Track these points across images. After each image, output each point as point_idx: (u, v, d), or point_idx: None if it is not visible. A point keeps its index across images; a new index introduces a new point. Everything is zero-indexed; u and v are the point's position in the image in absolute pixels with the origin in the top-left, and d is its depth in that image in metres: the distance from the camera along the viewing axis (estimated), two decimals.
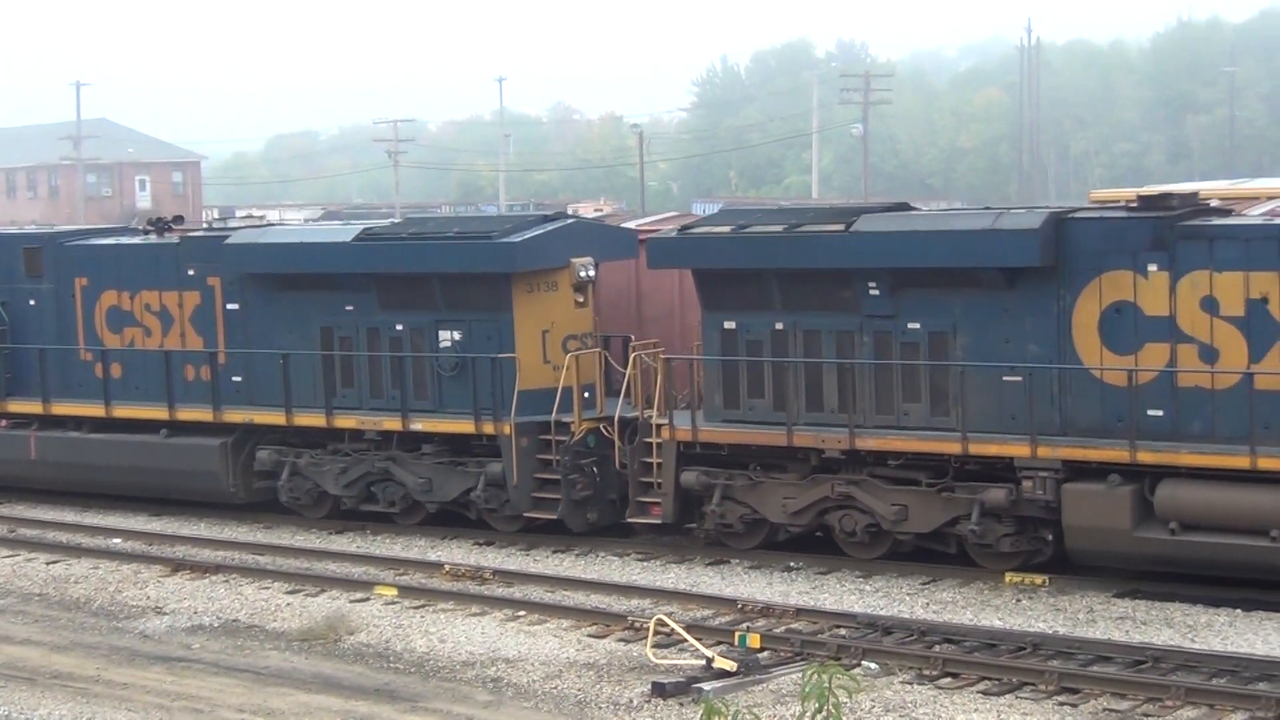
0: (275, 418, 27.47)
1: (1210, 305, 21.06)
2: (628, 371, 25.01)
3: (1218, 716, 16.62)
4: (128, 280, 29.24)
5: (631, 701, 17.79)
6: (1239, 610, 20.16)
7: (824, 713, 13.01)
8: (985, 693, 17.61)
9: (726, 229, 24.26)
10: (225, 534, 27.43)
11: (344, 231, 27.51)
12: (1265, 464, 20.27)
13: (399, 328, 26.45)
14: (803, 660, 18.63)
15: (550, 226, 25.81)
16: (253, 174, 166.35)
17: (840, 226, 23.26)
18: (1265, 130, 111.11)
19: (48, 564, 25.91)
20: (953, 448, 22.23)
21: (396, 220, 30.74)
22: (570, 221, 26.84)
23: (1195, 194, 23.85)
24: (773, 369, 23.71)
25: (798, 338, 23.68)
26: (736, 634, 19.45)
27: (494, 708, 17.93)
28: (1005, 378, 22.12)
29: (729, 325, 24.14)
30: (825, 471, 23.35)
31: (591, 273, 25.87)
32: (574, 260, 25.66)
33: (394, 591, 22.83)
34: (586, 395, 25.30)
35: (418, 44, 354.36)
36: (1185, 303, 21.19)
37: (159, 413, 28.62)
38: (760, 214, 26.27)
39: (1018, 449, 21.74)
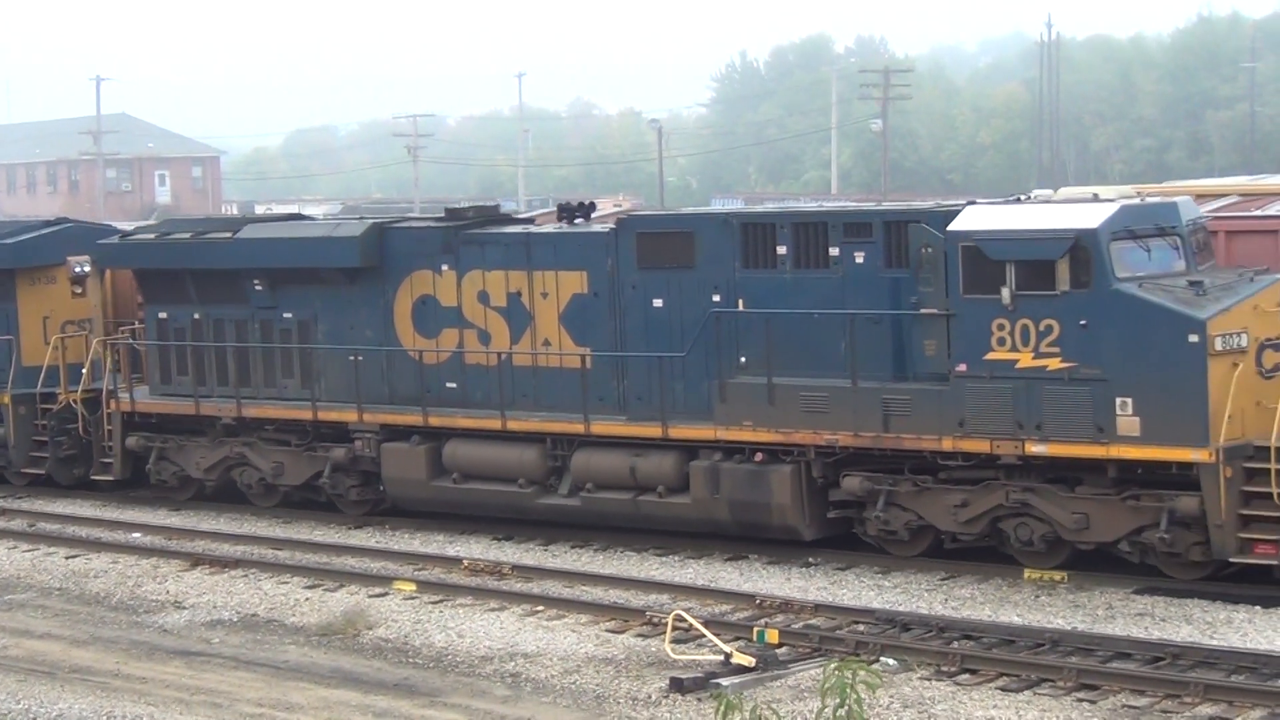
0: None
1: (484, 298, 25.78)
2: (91, 352, 29.74)
3: (1236, 713, 16.59)
4: None
5: (650, 696, 17.80)
6: (1258, 606, 20.09)
7: (845, 708, 13.03)
8: (1004, 689, 17.60)
9: (152, 236, 29.32)
10: (244, 529, 27.49)
11: None
12: (513, 425, 25.27)
13: None
14: (821, 656, 18.65)
15: (46, 230, 31.19)
16: (272, 169, 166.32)
17: (229, 234, 28.07)
18: None
19: (67, 558, 25.99)
20: (308, 415, 27.10)
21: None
22: (69, 226, 32.09)
23: (496, 206, 29.32)
24: (190, 351, 28.38)
25: (210, 325, 28.37)
26: (755, 629, 19.45)
27: (512, 702, 17.96)
28: (350, 357, 26.67)
29: (163, 315, 29.00)
30: (231, 435, 28.09)
31: (87, 269, 30.45)
32: (70, 259, 30.52)
33: (413, 586, 22.87)
34: (85, 371, 29.91)
35: (437, 39, 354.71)
36: (468, 296, 25.89)
37: None
38: (185, 223, 30.93)
39: (350, 415, 26.67)
